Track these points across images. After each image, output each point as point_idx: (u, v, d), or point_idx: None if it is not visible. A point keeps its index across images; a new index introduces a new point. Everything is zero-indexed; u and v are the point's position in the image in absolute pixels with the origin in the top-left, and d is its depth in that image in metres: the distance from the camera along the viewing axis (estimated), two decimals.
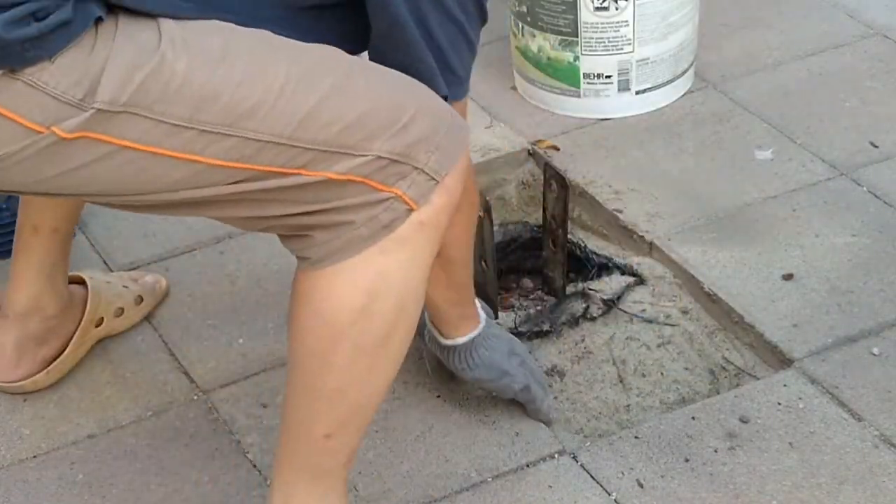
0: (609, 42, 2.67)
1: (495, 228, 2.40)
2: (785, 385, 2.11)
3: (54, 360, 2.19)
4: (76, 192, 1.56)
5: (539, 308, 2.40)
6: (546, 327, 2.33)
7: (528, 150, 2.70)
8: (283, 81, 1.50)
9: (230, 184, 1.54)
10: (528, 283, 2.49)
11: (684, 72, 2.78)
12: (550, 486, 1.96)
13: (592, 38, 2.67)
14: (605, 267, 2.46)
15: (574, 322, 2.35)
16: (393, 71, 1.62)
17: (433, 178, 1.58)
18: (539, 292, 2.46)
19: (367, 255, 1.58)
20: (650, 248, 2.44)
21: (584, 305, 2.36)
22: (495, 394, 2.09)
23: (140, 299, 2.33)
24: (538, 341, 2.31)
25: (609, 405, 2.20)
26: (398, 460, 2.10)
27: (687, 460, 1.99)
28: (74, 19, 1.43)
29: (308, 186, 1.55)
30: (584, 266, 2.48)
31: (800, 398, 2.08)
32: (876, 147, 2.63)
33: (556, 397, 2.22)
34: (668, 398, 2.20)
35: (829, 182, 2.54)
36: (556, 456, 2.03)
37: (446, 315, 1.97)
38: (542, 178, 2.42)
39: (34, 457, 2.07)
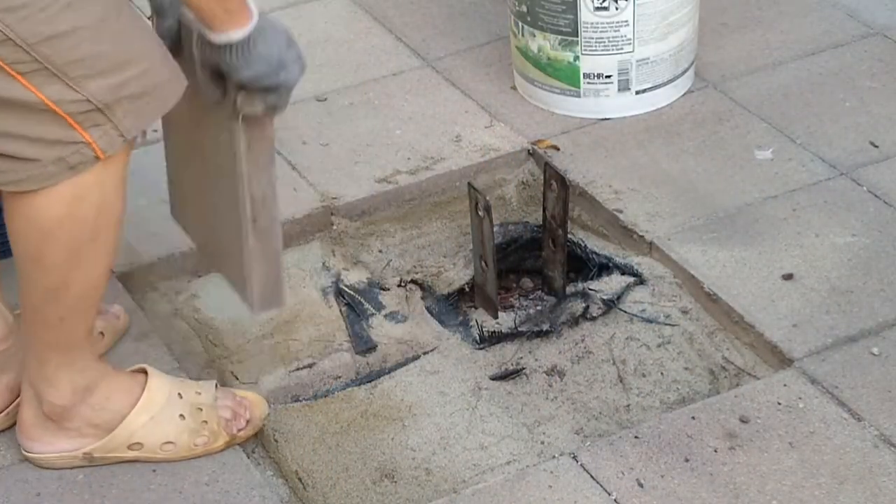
0: (609, 42, 2.67)
1: (495, 228, 2.40)
2: (785, 385, 2.11)
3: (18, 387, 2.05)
4: None
5: (539, 308, 2.40)
6: (546, 327, 2.33)
7: (528, 150, 2.70)
8: None
9: None
10: (528, 283, 2.49)
11: (684, 72, 2.78)
12: (550, 486, 1.96)
13: (592, 38, 2.67)
14: (605, 267, 2.46)
15: (574, 322, 2.35)
16: (146, 23, 1.78)
17: (123, 136, 1.75)
18: (539, 292, 2.46)
19: (59, 188, 1.76)
20: (650, 248, 2.44)
21: (584, 305, 2.36)
22: (267, 87, 1.86)
23: (101, 335, 2.20)
24: (538, 341, 2.32)
25: (609, 405, 2.20)
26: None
27: (687, 460, 1.99)
28: None
29: (16, 105, 1.70)
30: (584, 266, 2.48)
31: (800, 398, 2.08)
32: (876, 147, 2.63)
33: (556, 397, 2.22)
34: (668, 398, 2.20)
35: (829, 182, 2.54)
36: (556, 456, 2.03)
37: (210, 11, 1.78)
38: (542, 178, 2.42)
39: None
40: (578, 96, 2.75)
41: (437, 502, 1.98)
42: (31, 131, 1.72)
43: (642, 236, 2.45)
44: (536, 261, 2.49)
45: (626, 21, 2.64)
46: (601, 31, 2.65)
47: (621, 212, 2.50)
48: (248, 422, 2.07)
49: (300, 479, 2.08)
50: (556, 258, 2.40)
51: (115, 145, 1.75)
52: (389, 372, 2.29)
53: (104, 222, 1.83)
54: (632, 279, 2.40)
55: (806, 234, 2.41)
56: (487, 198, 2.30)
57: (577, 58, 2.70)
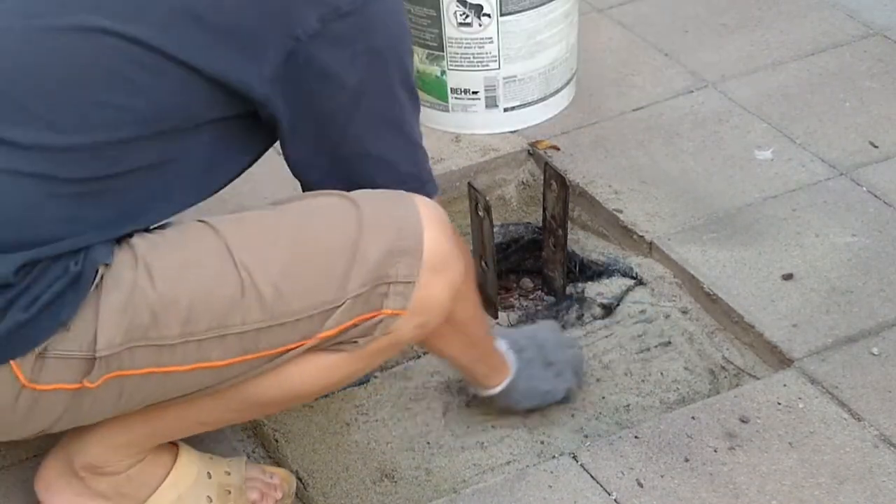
0: (475, 58, 2.60)
1: (495, 229, 2.40)
2: (785, 385, 2.11)
3: None
4: (113, 415, 1.70)
5: (539, 308, 2.40)
6: None
7: (528, 150, 2.70)
8: (247, 270, 1.61)
9: (246, 372, 1.67)
10: (528, 283, 2.49)
11: (557, 91, 2.74)
12: (550, 486, 1.96)
13: (458, 54, 2.60)
14: (605, 269, 2.45)
15: (574, 322, 2.35)
16: (324, 206, 1.70)
17: (409, 282, 1.67)
18: (539, 292, 2.46)
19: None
20: (650, 248, 2.44)
21: (583, 305, 2.36)
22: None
23: None
24: None
25: (609, 405, 2.20)
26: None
27: (687, 460, 1.99)
28: (83, 274, 1.56)
29: (310, 349, 1.68)
30: (584, 266, 2.48)
31: (800, 398, 2.08)
32: (876, 147, 2.63)
33: None
34: (668, 398, 2.20)
35: (829, 182, 2.54)
36: (556, 456, 2.03)
37: (475, 374, 2.04)
38: (542, 178, 2.42)
39: (34, 457, 2.07)
40: (447, 111, 2.70)
41: (437, 502, 1.98)
42: (338, 340, 1.70)
43: (642, 236, 2.45)
44: (536, 261, 2.49)
45: (491, 38, 2.57)
46: (466, 47, 2.58)
47: (621, 212, 2.50)
48: (276, 502, 1.98)
49: (300, 479, 2.08)
50: (556, 258, 2.40)
51: (408, 293, 1.69)
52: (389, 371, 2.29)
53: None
54: (632, 280, 2.41)
55: (806, 234, 2.41)
56: (487, 198, 2.30)
57: (443, 72, 2.65)
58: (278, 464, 2.11)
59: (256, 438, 2.15)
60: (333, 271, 1.64)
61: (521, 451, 2.12)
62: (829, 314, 2.23)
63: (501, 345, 2.05)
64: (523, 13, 2.57)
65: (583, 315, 2.36)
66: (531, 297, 2.45)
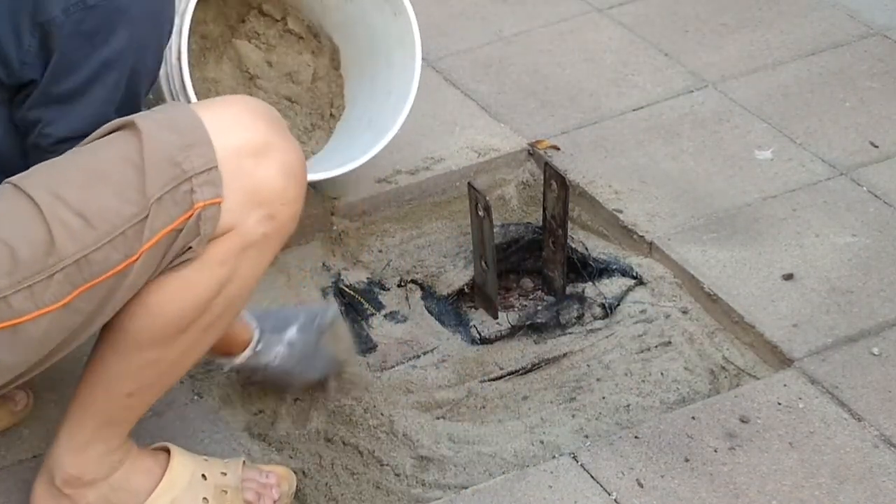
0: None
1: (496, 229, 2.40)
2: (785, 385, 2.11)
3: None
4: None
5: (539, 308, 2.40)
6: (546, 327, 2.33)
7: (528, 150, 2.70)
8: (48, 206, 1.61)
9: (96, 310, 1.66)
10: (528, 283, 2.49)
11: None
12: (550, 486, 1.96)
13: None
14: (605, 269, 2.46)
15: (574, 322, 2.35)
16: (103, 131, 1.69)
17: (210, 169, 1.66)
18: (539, 292, 2.46)
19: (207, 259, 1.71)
20: (650, 248, 2.44)
21: (583, 305, 2.36)
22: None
23: None
24: (538, 340, 2.32)
25: (609, 405, 2.20)
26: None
27: (687, 460, 1.99)
28: None
29: (142, 268, 1.66)
30: (585, 266, 2.48)
31: (800, 398, 2.08)
32: (876, 147, 2.63)
33: (556, 397, 2.22)
34: (668, 398, 2.20)
35: (829, 182, 2.54)
36: (556, 456, 2.03)
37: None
38: (542, 178, 2.42)
39: (34, 457, 2.07)
40: None
41: (437, 502, 1.98)
42: (170, 256, 1.69)
43: (642, 236, 2.45)
44: (536, 261, 2.49)
45: None
46: None
47: (621, 212, 2.50)
48: (275, 502, 1.96)
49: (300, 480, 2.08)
50: (556, 258, 2.40)
51: (216, 179, 1.67)
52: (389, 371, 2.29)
53: (229, 308, 1.79)
54: (632, 281, 2.41)
55: (806, 234, 2.41)
56: (487, 198, 2.31)
57: None
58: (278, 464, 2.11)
59: (256, 439, 2.15)
60: (128, 184, 1.63)
61: (521, 451, 2.12)
62: (829, 314, 2.23)
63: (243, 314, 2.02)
64: None
65: (583, 315, 2.36)
66: (531, 297, 2.45)
